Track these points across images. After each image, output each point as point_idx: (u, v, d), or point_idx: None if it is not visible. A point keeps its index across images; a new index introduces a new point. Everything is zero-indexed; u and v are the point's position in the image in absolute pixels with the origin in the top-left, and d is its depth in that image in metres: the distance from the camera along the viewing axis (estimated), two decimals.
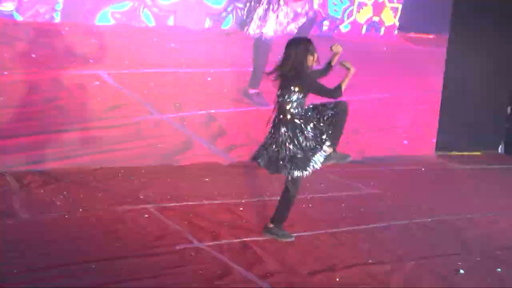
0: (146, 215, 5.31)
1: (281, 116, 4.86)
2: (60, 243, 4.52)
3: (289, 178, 4.87)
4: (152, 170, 6.87)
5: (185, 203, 5.76)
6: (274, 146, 4.87)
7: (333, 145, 4.92)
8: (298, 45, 4.91)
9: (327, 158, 4.92)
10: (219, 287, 3.99)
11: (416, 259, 4.81)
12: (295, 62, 4.83)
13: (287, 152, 4.78)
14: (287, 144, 4.80)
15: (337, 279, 4.29)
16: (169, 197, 5.91)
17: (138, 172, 6.72)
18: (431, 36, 9.30)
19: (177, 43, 7.39)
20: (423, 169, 8.28)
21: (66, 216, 5.13)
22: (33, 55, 6.55)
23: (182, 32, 7.43)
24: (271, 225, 5.06)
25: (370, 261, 4.70)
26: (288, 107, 4.83)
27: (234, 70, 7.79)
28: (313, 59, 4.92)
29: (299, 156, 4.77)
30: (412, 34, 9.13)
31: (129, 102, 7.16)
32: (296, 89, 4.81)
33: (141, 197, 5.85)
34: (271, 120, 4.98)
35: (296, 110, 4.84)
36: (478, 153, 9.76)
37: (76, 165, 6.67)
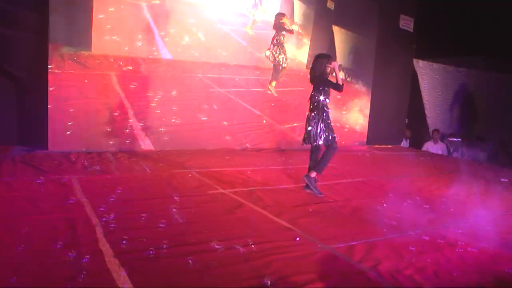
0: (190, 175, 5.12)
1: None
2: (138, 188, 4.35)
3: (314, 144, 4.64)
4: (193, 152, 6.64)
5: (213, 169, 5.55)
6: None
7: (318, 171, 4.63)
8: (319, 59, 4.56)
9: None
10: (236, 213, 3.81)
11: (358, 199, 4.64)
12: (317, 71, 4.53)
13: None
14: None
15: (310, 210, 4.12)
16: (204, 166, 5.70)
17: (184, 153, 6.51)
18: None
19: None
20: (359, 153, 8.11)
21: (142, 174, 4.94)
22: None
23: None
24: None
25: (330, 200, 4.54)
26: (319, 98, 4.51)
27: None
28: (330, 69, 4.52)
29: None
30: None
31: None
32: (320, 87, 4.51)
33: (187, 166, 5.64)
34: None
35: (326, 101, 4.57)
36: (390, 146, 9.73)
37: (146, 149, 6.46)
